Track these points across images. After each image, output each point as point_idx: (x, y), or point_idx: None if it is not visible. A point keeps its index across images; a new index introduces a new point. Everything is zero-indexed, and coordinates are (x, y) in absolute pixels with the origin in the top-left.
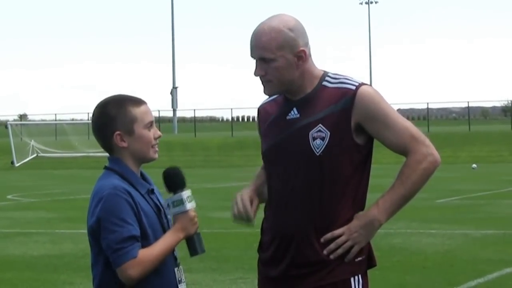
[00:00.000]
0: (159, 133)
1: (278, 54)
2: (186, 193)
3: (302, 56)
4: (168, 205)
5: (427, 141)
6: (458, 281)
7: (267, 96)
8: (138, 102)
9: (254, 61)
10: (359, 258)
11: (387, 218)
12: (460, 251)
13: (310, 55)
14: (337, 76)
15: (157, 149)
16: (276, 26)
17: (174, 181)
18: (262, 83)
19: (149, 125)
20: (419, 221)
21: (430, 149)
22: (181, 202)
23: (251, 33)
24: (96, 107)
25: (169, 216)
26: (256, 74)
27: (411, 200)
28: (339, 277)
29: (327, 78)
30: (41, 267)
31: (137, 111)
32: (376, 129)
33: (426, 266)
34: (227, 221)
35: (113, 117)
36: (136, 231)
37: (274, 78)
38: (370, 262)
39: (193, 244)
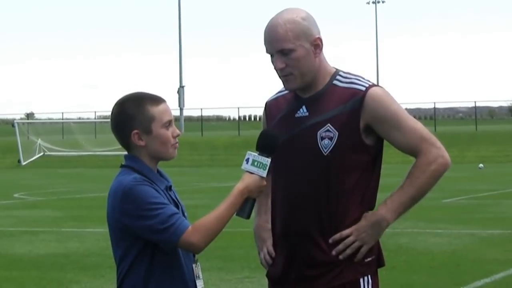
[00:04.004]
0: (177, 131)
1: (296, 44)
2: (270, 162)
3: (318, 44)
4: (248, 159)
5: (438, 143)
6: (465, 281)
7: (277, 91)
8: (157, 100)
9: (270, 57)
10: (369, 259)
11: (395, 218)
12: (467, 251)
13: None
14: (348, 76)
15: (177, 146)
16: (289, 18)
17: (271, 144)
18: (282, 78)
19: (168, 124)
20: (425, 221)
21: (440, 151)
22: (264, 166)
23: (263, 31)
24: (115, 104)
25: (186, 213)
26: (277, 67)
27: (419, 201)
28: (348, 278)
29: (338, 77)
30: (47, 265)
31: (155, 110)
32: (385, 131)
33: (433, 266)
34: (234, 220)
35: (131, 116)
36: (175, 209)
37: (295, 70)
38: (378, 262)
39: (245, 206)
